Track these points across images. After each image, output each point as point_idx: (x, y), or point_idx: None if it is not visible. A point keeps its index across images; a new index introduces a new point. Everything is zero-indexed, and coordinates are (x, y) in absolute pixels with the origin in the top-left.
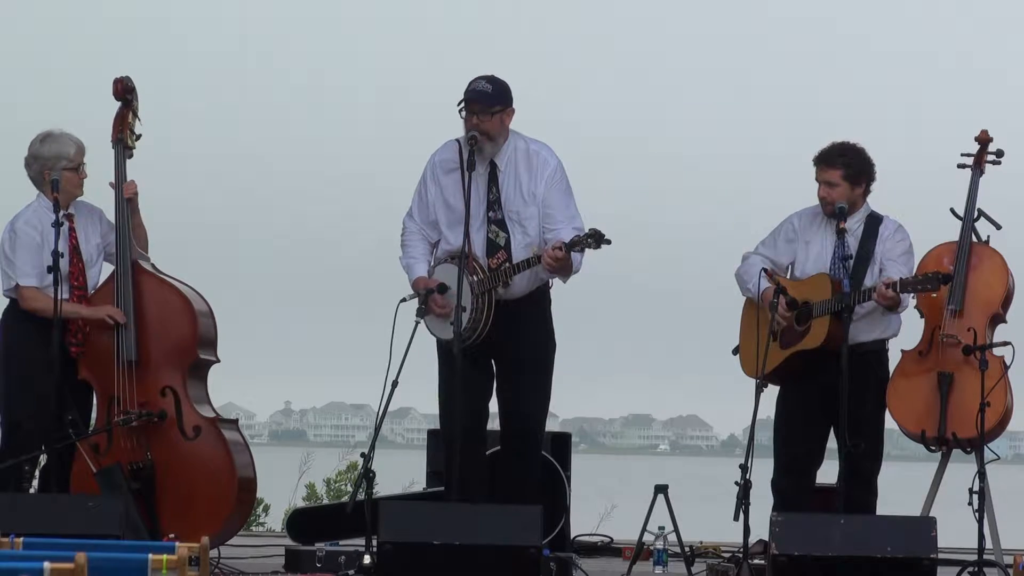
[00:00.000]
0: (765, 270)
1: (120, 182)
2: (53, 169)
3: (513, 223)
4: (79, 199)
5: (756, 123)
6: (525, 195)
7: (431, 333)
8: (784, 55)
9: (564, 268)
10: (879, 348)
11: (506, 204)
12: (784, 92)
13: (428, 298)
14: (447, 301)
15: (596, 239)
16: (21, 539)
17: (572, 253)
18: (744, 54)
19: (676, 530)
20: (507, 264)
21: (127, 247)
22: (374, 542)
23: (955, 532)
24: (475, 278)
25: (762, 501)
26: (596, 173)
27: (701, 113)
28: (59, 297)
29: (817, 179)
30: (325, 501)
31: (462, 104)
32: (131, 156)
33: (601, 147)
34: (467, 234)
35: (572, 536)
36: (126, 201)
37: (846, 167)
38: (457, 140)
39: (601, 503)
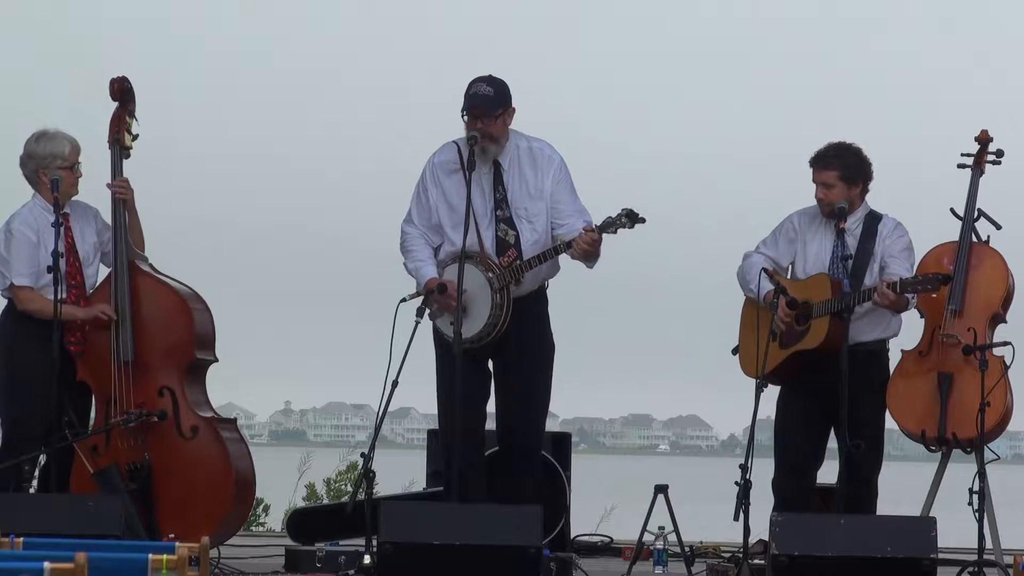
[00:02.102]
0: (765, 270)
1: None
2: (48, 168)
3: (521, 220)
4: (74, 198)
5: (756, 123)
6: (532, 192)
7: (443, 333)
8: (784, 55)
9: (596, 252)
10: (879, 348)
11: (513, 201)
12: (784, 92)
13: (443, 294)
14: (465, 298)
15: (630, 218)
16: (21, 539)
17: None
18: (744, 54)
19: (676, 530)
20: (519, 261)
21: (123, 247)
22: (374, 542)
23: (955, 532)
24: (491, 275)
25: (762, 501)
26: (596, 172)
27: (702, 112)
28: (59, 297)
29: (814, 180)
30: (325, 501)
31: (464, 110)
32: (128, 156)
33: (601, 147)
34: (467, 233)
35: (572, 536)
36: (121, 201)
37: (842, 168)
38: (455, 142)
39: (601, 503)
